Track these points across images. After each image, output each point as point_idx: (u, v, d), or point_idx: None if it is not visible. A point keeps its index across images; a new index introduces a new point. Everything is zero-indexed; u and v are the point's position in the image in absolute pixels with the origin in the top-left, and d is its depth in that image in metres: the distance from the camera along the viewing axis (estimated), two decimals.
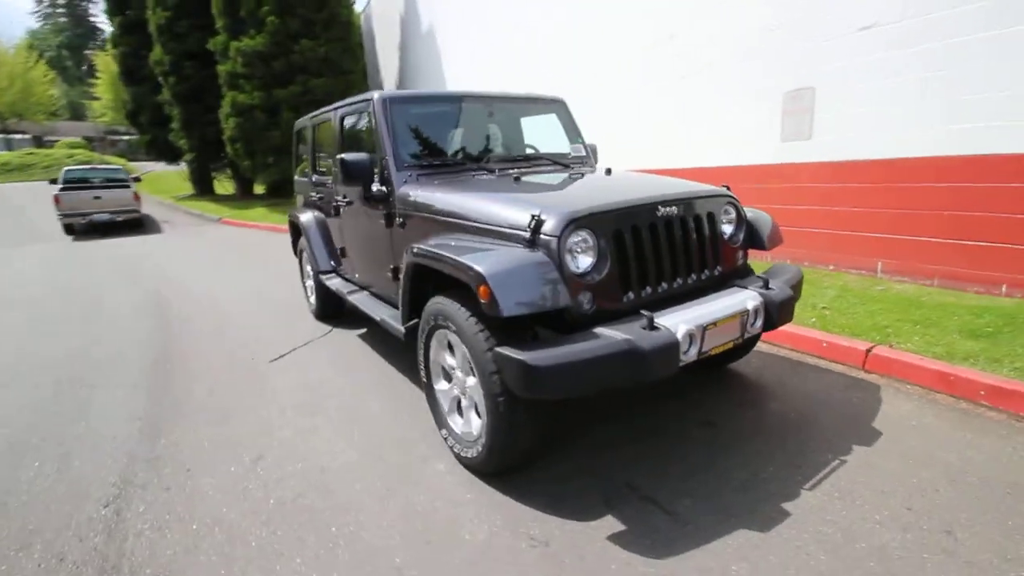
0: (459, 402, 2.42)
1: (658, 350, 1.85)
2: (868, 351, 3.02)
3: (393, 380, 3.39)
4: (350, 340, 4.24)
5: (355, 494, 2.23)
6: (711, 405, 2.74)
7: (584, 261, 2.06)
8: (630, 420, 2.65)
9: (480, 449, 2.16)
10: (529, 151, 3.58)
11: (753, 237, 2.65)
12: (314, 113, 4.32)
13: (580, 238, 2.05)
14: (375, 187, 2.99)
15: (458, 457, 2.34)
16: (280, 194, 19.81)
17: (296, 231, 4.98)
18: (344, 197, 3.61)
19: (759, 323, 2.26)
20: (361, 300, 3.53)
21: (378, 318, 3.14)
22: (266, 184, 21.19)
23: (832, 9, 4.28)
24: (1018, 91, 3.46)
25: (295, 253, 5.33)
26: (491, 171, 3.07)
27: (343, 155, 2.93)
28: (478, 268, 1.92)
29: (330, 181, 3.86)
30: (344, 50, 14.32)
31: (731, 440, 2.43)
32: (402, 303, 2.69)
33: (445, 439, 2.45)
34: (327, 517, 2.09)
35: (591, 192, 2.49)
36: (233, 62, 13.24)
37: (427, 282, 2.51)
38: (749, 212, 2.71)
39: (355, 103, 3.38)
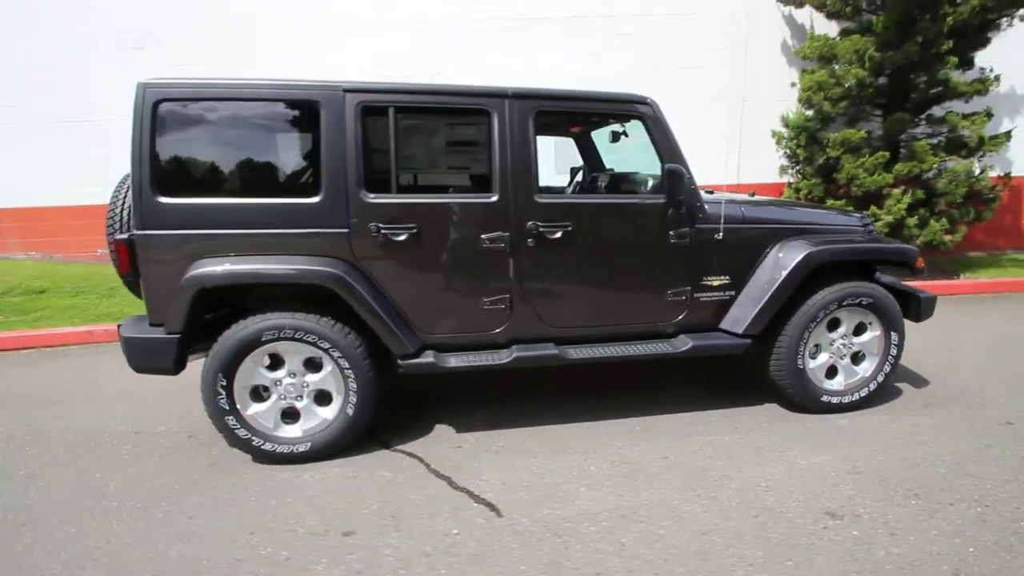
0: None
1: None
2: None
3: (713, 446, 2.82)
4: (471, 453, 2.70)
5: None
6: None
7: None
8: None
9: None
10: None
11: None
12: (359, 87, 2.42)
13: None
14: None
15: None
16: None
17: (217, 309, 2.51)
18: (555, 221, 2.57)
19: None
20: (610, 350, 2.74)
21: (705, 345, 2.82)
22: None
23: None
24: None
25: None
26: None
27: (676, 165, 2.48)
28: (909, 247, 2.89)
29: (491, 198, 2.51)
30: None
31: None
32: (771, 304, 2.77)
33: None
34: None
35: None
36: None
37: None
38: None
39: (603, 101, 2.70)
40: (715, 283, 2.89)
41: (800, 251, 2.80)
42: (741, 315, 2.87)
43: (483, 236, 2.56)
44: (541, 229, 2.61)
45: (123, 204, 2.64)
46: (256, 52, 6.30)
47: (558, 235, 2.63)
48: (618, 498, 2.31)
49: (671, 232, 2.75)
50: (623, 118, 2.79)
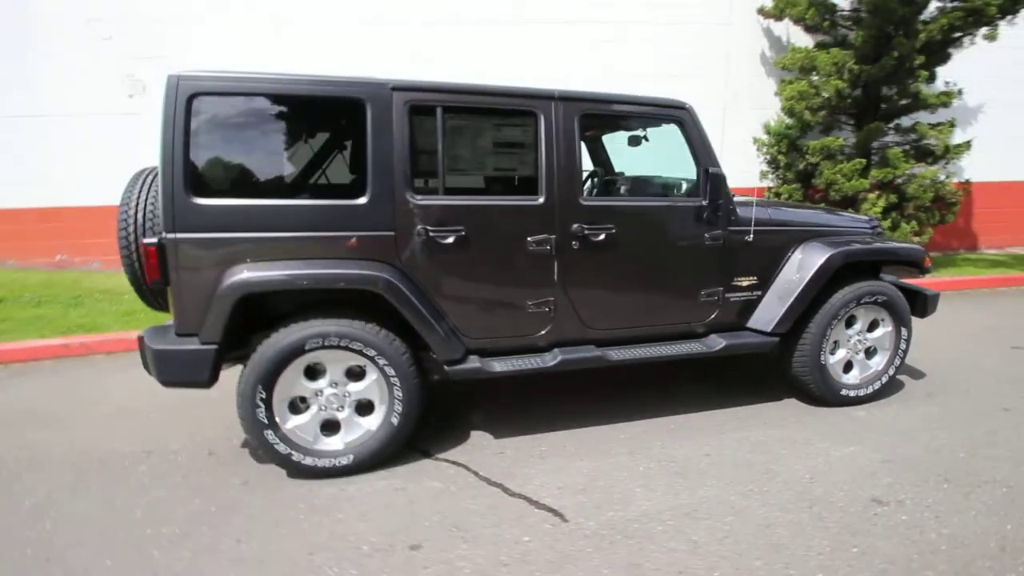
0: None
1: None
2: None
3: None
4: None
5: None
6: None
7: None
8: None
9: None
10: None
11: None
12: (408, 85, 2.35)
13: None
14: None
15: None
16: None
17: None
18: (599, 223, 2.58)
19: None
20: (649, 351, 2.76)
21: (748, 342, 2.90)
22: None
23: None
24: None
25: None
26: None
27: (718, 169, 2.55)
28: (919, 248, 3.05)
29: (538, 200, 2.49)
30: None
31: None
32: (798, 303, 2.88)
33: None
34: None
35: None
36: None
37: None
38: None
39: (645, 105, 2.73)
40: (744, 283, 2.98)
41: (824, 252, 2.93)
42: (769, 314, 2.97)
43: (529, 239, 2.55)
44: (586, 231, 2.61)
45: (137, 205, 2.45)
46: (234, 48, 6.03)
47: (601, 237, 2.65)
48: (675, 497, 2.33)
49: (706, 234, 2.82)
50: (661, 122, 2.84)
